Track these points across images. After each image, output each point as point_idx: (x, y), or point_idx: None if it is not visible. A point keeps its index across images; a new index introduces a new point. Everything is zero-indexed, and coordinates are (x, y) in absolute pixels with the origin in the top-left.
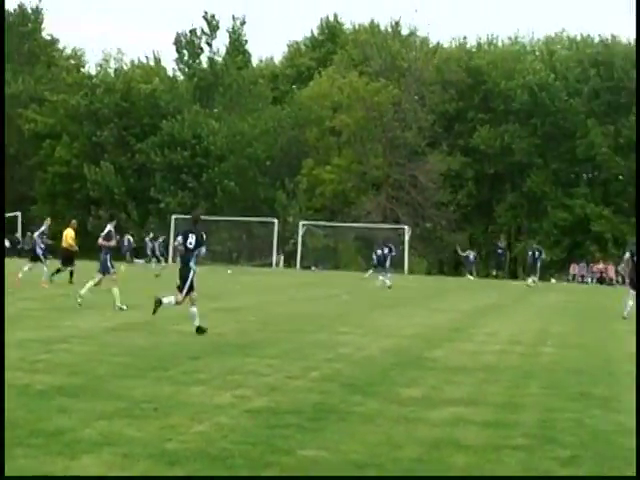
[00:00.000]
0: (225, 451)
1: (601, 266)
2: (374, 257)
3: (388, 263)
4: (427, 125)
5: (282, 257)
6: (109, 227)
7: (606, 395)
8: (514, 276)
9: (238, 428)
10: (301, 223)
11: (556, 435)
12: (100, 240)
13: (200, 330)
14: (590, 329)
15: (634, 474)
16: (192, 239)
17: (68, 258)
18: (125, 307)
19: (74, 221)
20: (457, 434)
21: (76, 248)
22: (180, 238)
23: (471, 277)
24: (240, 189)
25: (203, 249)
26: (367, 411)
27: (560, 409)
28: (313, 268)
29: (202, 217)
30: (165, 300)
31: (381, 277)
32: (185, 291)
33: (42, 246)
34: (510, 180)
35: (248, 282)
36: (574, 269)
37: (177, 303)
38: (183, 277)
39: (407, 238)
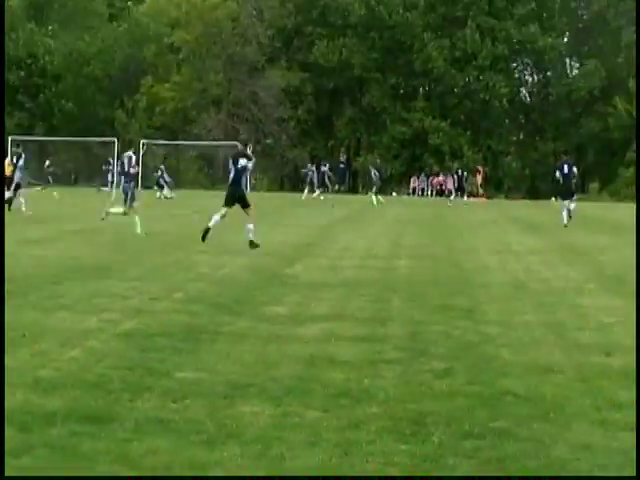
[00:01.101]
0: (103, 376)
1: (440, 179)
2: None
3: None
4: (266, 41)
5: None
6: (130, 154)
7: (467, 306)
8: (354, 191)
9: (111, 352)
10: (141, 142)
11: (428, 347)
12: (126, 168)
13: (253, 244)
14: (439, 241)
15: (634, 474)
16: (243, 162)
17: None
18: (145, 234)
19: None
20: (330, 350)
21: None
22: (230, 162)
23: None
24: (78, 109)
25: (250, 164)
26: (238, 330)
27: (426, 322)
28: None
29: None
30: (211, 224)
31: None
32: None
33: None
34: (349, 95)
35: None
36: (414, 182)
37: (222, 217)
38: (240, 196)
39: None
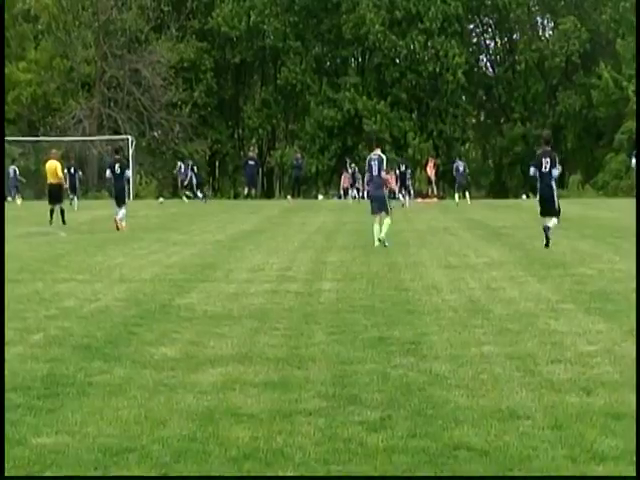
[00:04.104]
0: None
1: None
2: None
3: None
4: (151, 3)
5: None
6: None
7: (409, 338)
8: (269, 194)
9: None
10: None
11: (358, 393)
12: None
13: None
14: (374, 255)
15: (634, 474)
16: (546, 162)
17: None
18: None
19: (55, 151)
20: (234, 400)
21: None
22: (533, 167)
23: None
24: None
25: (556, 170)
26: (114, 380)
27: (358, 360)
28: (10, 199)
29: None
30: (550, 224)
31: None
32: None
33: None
34: (261, 70)
35: None
36: (345, 181)
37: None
38: (547, 198)
39: (132, 152)
